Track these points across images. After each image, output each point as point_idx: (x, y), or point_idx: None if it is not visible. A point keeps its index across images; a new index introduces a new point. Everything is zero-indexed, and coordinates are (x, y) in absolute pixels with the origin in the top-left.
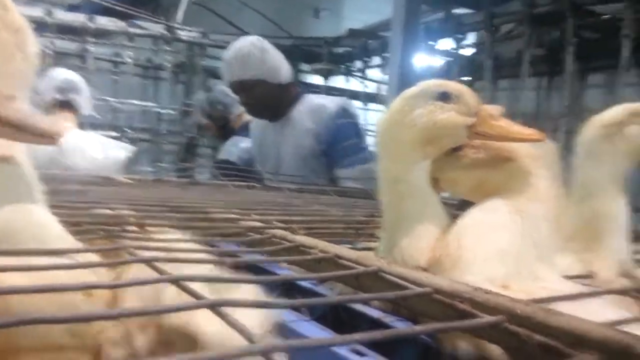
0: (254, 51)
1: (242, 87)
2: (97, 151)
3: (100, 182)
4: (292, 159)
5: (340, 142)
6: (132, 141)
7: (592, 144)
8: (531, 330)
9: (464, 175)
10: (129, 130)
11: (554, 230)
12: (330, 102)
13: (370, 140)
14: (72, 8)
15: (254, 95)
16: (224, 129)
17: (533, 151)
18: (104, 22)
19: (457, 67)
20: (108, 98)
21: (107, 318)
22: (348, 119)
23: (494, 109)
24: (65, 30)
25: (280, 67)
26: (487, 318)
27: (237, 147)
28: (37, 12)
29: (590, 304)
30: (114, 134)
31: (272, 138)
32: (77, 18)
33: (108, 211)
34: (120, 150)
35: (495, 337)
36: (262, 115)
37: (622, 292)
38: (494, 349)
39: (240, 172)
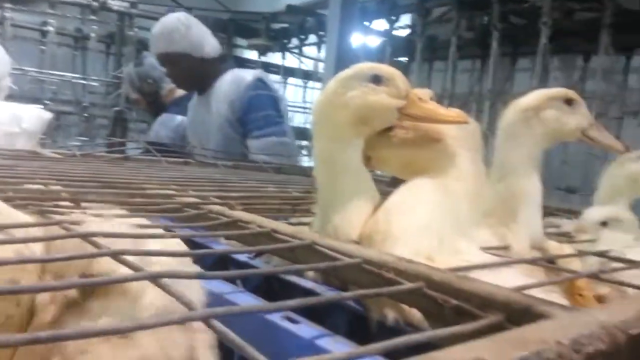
0: (179, 26)
1: (167, 60)
2: (9, 121)
3: (28, 156)
4: (213, 129)
5: (253, 113)
6: (55, 114)
7: (511, 127)
8: (447, 295)
9: (394, 154)
10: (50, 103)
11: (474, 206)
12: (248, 74)
13: (302, 118)
14: None
15: (178, 68)
16: (155, 104)
17: (458, 132)
18: None
19: (391, 48)
20: (27, 68)
21: (39, 291)
22: (264, 90)
23: (423, 93)
24: None
25: (205, 42)
26: (407, 284)
27: (166, 127)
28: None
29: (503, 273)
30: (35, 106)
31: (201, 111)
32: None
33: (40, 186)
34: (35, 119)
35: (415, 302)
36: (188, 87)
37: (531, 261)
38: (415, 314)
39: (171, 148)
